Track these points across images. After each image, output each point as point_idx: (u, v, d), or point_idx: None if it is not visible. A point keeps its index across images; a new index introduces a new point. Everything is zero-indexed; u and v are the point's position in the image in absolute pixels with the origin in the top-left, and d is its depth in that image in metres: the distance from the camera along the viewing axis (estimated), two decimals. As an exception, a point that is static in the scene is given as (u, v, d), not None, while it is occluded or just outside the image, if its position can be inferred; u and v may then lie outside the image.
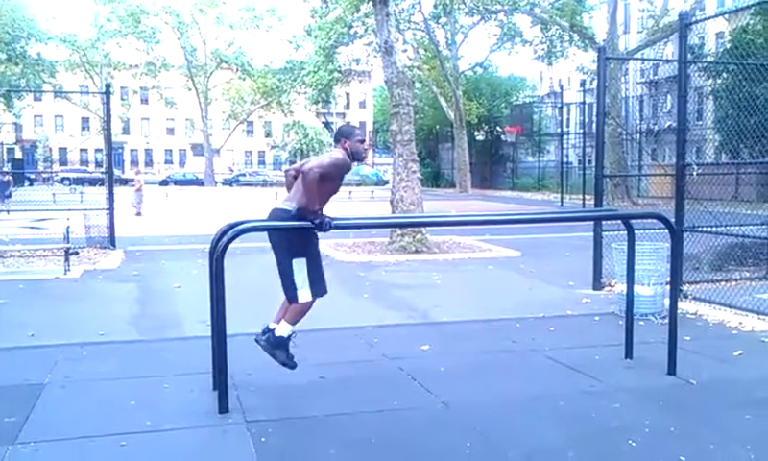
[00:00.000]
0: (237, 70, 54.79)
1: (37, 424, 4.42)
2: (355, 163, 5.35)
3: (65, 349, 6.19)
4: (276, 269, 4.99)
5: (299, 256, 4.89)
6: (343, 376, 5.51)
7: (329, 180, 4.87)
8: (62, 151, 64.04)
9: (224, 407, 4.58)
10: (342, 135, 5.11)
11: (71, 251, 11.00)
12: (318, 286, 5.01)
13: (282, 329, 5.03)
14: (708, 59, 19.08)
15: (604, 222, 8.94)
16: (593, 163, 10.02)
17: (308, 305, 5.00)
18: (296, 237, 4.89)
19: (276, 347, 5.04)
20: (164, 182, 54.58)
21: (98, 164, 61.51)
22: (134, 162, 71.06)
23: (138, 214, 23.37)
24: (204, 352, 5.45)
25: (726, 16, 15.64)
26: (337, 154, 4.99)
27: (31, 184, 36.17)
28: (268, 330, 5.12)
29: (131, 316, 7.80)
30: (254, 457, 3.93)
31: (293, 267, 4.89)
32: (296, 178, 4.98)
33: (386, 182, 44.82)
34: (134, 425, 4.37)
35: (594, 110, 9.88)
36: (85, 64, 51.72)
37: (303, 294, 4.93)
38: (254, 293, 9.02)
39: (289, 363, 5.07)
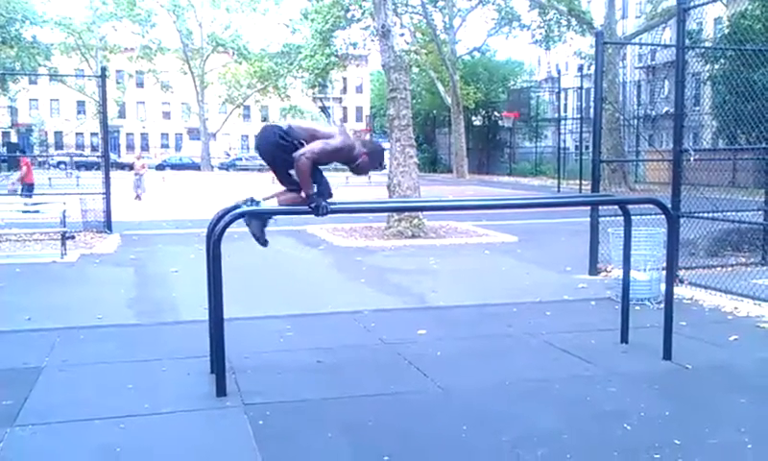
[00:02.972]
0: (233, 54, 54.51)
1: (35, 406, 4.44)
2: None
3: (63, 332, 6.21)
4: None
5: None
6: (340, 360, 5.53)
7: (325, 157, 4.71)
8: (58, 135, 63.76)
9: (221, 390, 4.60)
10: (374, 152, 4.95)
11: (68, 235, 11.01)
12: (324, 188, 4.78)
13: (270, 205, 4.87)
14: (707, 44, 19.02)
15: (601, 207, 8.95)
16: (590, 149, 10.01)
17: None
18: (290, 153, 4.66)
19: (255, 217, 4.81)
20: (160, 167, 54.40)
21: (94, 148, 61.27)
22: (131, 146, 70.80)
23: (138, 198, 23.40)
24: (201, 336, 5.47)
25: (724, 1, 15.60)
26: (348, 143, 4.74)
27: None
28: (253, 201, 4.89)
29: (128, 300, 7.80)
30: (252, 440, 3.95)
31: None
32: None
33: (383, 168, 44.70)
34: (133, 408, 4.39)
35: (592, 96, 9.85)
36: (81, 48, 51.42)
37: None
38: (252, 277, 9.04)
39: (261, 239, 4.84)
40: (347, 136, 4.85)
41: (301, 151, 4.60)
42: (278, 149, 4.71)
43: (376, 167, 5.11)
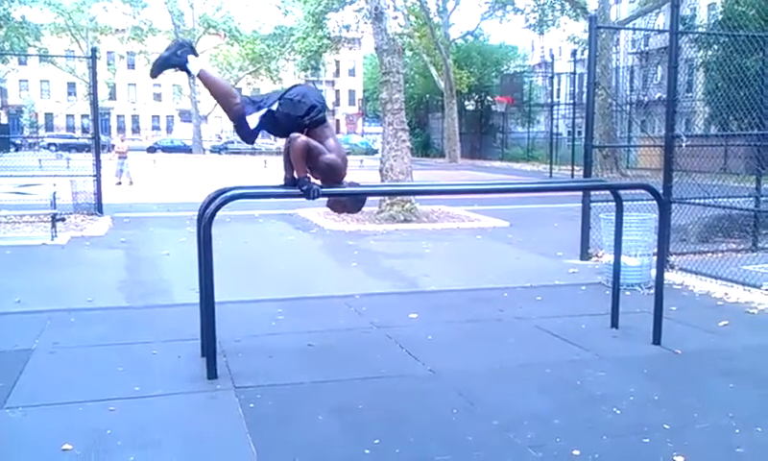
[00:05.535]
0: (225, 36, 54.08)
1: (26, 389, 4.43)
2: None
3: (53, 315, 6.18)
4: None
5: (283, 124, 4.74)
6: (331, 343, 5.53)
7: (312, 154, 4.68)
8: (48, 116, 63.25)
9: (212, 373, 4.60)
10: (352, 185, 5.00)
11: (58, 217, 10.94)
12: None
13: (200, 67, 4.85)
14: (700, 30, 19.01)
15: (592, 193, 8.97)
16: (583, 134, 10.01)
17: (238, 109, 4.79)
18: (297, 127, 4.71)
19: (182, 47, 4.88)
20: (152, 149, 54.04)
21: (84, 130, 60.84)
22: (121, 128, 70.39)
23: (119, 183, 22.25)
24: (192, 319, 5.46)
25: (718, -13, 15.56)
26: (338, 164, 4.72)
27: (17, 150, 35.73)
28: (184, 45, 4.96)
29: (119, 283, 7.78)
30: (243, 423, 3.95)
31: (274, 108, 4.74)
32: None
33: (375, 152, 44.63)
34: (123, 391, 4.38)
35: (585, 81, 9.83)
36: (71, 28, 50.88)
37: (251, 118, 4.77)
38: (243, 260, 9.03)
39: (155, 67, 4.88)
40: (343, 164, 4.82)
41: (302, 136, 4.60)
42: (296, 108, 4.71)
43: (348, 207, 5.19)
